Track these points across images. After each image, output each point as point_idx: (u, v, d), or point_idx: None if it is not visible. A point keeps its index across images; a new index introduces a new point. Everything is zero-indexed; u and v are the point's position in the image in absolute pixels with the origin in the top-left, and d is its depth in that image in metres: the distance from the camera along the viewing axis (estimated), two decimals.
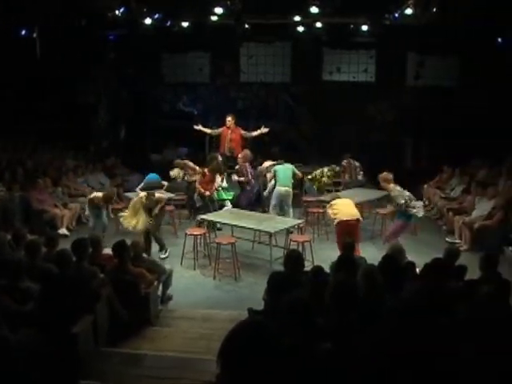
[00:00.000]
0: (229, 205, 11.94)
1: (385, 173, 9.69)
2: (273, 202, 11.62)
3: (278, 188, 11.61)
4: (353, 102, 16.38)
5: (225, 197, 12.18)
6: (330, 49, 17.27)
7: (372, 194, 12.34)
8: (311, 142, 16.74)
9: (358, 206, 10.65)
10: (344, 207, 9.53)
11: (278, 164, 12.05)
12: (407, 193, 9.41)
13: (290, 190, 11.68)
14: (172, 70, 18.12)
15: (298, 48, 16.91)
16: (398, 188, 9.43)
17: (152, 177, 11.37)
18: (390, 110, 16.89)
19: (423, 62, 16.58)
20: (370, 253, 9.38)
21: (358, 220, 9.41)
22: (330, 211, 9.59)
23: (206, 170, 11.62)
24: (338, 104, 16.32)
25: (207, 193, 11.40)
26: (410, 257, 6.78)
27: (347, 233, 8.97)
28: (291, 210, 11.71)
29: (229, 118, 13.34)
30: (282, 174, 11.69)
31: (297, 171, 12.06)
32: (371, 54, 17.13)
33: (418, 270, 6.23)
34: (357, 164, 13.60)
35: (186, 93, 18.17)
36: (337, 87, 17.01)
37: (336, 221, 9.41)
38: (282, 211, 11.57)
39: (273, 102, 17.80)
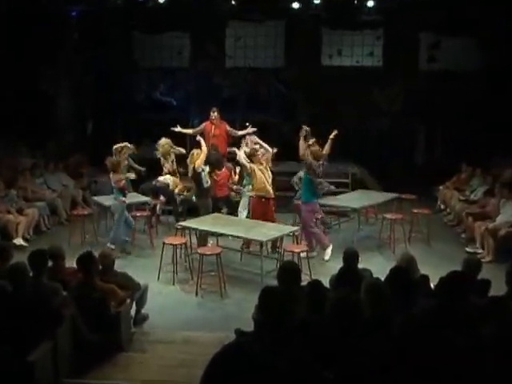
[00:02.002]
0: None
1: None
2: (244, 211, 11.63)
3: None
4: (356, 90, 16.40)
5: None
6: (329, 29, 17.33)
7: (378, 197, 12.41)
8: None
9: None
10: (265, 181, 10.67)
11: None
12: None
13: None
14: (146, 52, 18.11)
15: (292, 28, 16.96)
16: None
17: None
18: (398, 99, 16.93)
19: (438, 42, 16.67)
20: (377, 264, 9.39)
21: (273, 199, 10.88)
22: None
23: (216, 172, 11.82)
24: (338, 93, 16.36)
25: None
26: (423, 269, 6.76)
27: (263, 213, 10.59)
28: None
29: (213, 112, 13.31)
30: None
31: None
32: (378, 34, 17.18)
33: (432, 284, 6.22)
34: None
35: (162, 80, 18.14)
36: (338, 73, 17.04)
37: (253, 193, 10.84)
38: None
39: (263, 91, 17.78)
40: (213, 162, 11.76)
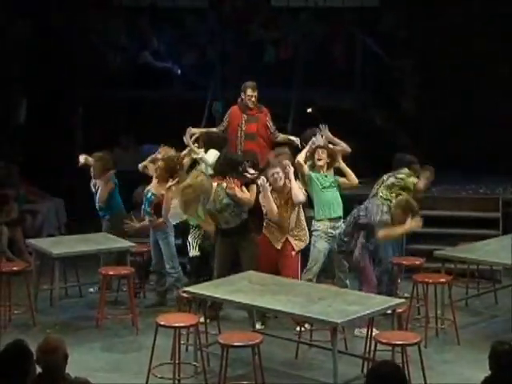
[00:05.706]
0: None
1: None
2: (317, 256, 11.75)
3: (323, 223, 11.65)
4: None
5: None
6: None
7: None
8: (419, 133, 16.67)
9: None
10: None
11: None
12: None
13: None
14: None
15: None
16: None
17: None
18: None
19: None
20: None
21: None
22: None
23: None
24: (480, 51, 16.40)
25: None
26: None
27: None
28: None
29: (248, 91, 12.99)
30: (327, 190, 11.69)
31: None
32: None
33: None
34: None
35: (157, 30, 18.38)
36: (477, 15, 17.06)
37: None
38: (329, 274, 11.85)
39: (340, 51, 17.83)
40: None
